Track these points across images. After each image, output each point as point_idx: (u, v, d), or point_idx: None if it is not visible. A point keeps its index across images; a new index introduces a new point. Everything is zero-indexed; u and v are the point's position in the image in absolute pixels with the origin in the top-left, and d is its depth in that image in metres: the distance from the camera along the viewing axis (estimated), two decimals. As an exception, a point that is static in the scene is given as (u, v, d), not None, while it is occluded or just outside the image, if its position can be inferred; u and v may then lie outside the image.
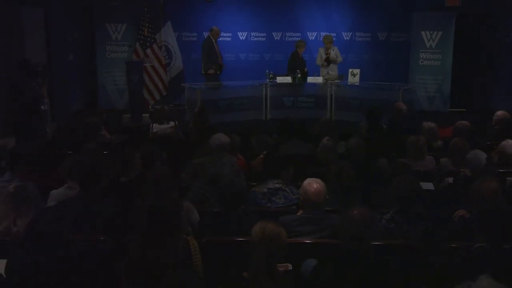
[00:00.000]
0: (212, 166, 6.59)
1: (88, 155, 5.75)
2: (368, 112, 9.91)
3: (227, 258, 4.54)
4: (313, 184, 5.08)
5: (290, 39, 15.97)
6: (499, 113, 9.23)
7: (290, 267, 4.00)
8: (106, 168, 6.06)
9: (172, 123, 11.17)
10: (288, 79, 14.02)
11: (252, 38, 15.90)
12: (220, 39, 14.58)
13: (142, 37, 13.67)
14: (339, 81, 13.98)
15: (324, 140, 7.38)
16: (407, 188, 5.12)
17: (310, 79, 13.99)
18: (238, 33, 15.37)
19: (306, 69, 14.07)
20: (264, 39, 15.98)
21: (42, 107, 10.67)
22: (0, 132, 8.60)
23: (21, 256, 3.94)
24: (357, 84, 13.80)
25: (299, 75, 14.03)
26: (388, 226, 5.03)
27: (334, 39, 14.19)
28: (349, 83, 13.89)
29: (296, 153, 7.71)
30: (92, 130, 8.51)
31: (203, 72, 14.04)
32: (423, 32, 14.21)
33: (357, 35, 15.70)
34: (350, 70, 14.00)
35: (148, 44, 13.67)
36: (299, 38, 15.62)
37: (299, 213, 5.18)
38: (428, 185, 6.39)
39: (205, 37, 14.46)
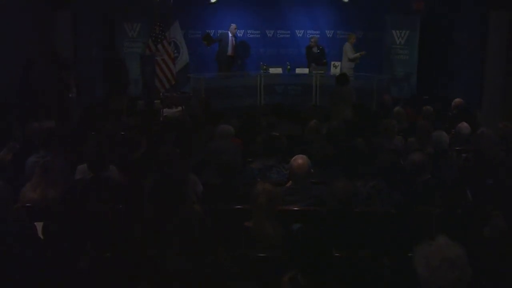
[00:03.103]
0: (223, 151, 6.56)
1: (96, 143, 5.75)
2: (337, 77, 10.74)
3: (228, 224, 4.61)
4: (298, 160, 5.13)
5: (281, 36, 15.95)
6: (457, 100, 9.32)
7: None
8: (117, 151, 6.11)
9: (179, 108, 11.22)
10: (279, 70, 14.08)
11: (249, 35, 15.84)
12: (220, 35, 14.83)
13: (154, 35, 13.62)
14: (323, 72, 14.02)
15: (311, 123, 7.41)
16: (389, 161, 5.20)
17: (298, 70, 14.05)
18: (237, 30, 15.31)
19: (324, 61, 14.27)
20: (259, 36, 15.92)
21: (70, 95, 10.69)
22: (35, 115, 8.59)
23: (56, 220, 3.99)
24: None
25: (288, 67, 14.09)
26: (370, 192, 5.10)
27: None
28: (331, 74, 13.90)
29: (286, 133, 7.73)
30: (116, 114, 8.59)
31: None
32: (393, 31, 14.23)
33: (338, 33, 15.64)
34: (333, 62, 14.03)
35: (159, 40, 13.61)
36: (289, 35, 15.74)
37: (288, 185, 5.24)
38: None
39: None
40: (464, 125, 7.37)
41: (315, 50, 14.37)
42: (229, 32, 14.48)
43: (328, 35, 15.66)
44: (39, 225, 4.09)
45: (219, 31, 14.89)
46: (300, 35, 15.72)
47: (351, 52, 13.79)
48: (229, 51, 14.48)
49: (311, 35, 15.06)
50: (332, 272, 3.54)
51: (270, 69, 14.10)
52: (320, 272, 3.31)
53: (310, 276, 3.28)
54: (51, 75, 10.25)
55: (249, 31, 15.80)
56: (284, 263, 3.86)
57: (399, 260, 3.79)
